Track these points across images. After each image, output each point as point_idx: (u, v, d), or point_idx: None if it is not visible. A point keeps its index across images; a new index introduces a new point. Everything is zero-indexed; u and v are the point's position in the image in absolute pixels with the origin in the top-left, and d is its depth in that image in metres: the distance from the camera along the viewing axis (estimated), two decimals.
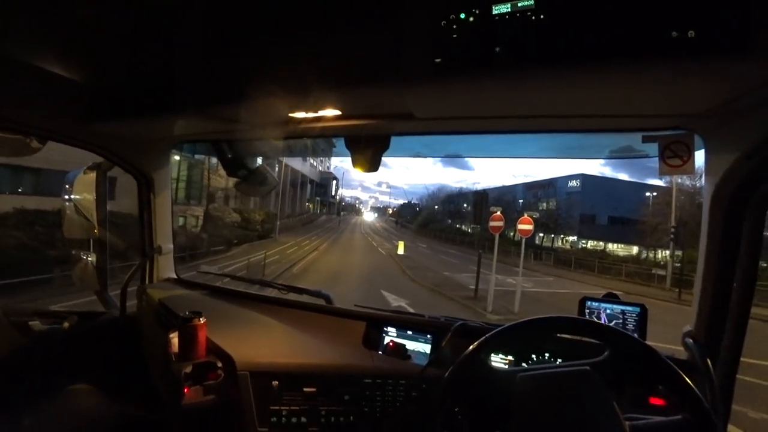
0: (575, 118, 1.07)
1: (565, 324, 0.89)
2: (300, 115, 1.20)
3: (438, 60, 0.79)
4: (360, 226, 55.05)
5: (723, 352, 1.10)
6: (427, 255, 21.47)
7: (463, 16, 0.76)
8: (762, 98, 0.79)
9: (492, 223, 10.04)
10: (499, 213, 9.97)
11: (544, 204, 31.31)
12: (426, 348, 1.36)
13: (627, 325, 1.23)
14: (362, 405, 1.16)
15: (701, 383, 1.07)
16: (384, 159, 1.35)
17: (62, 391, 1.57)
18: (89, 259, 1.86)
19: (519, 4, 0.72)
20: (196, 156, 17.85)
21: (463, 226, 38.51)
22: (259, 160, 1.82)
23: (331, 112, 1.15)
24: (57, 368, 1.59)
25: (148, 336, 1.72)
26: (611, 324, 1.20)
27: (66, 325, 1.65)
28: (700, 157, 1.12)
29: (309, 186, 49.92)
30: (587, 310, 1.26)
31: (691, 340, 1.16)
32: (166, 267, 1.98)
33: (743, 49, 0.62)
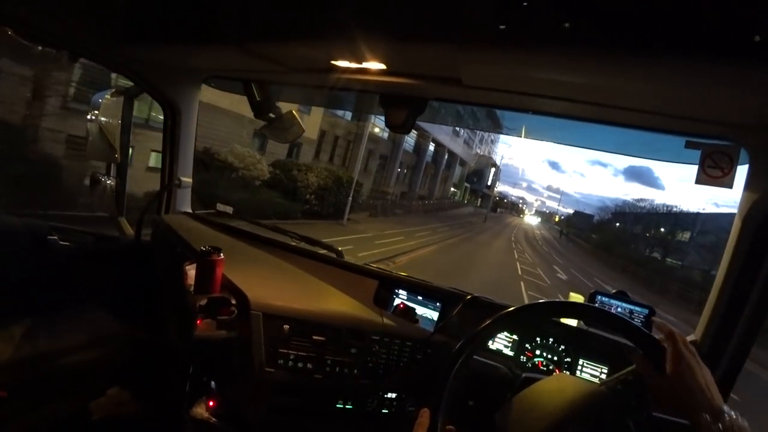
0: (623, 111, 1.04)
1: (580, 310, 0.90)
2: (342, 63, 1.15)
3: (502, 27, 0.75)
4: (513, 230, 41.96)
5: (723, 364, 1.12)
6: None
7: None
8: None
9: None
10: None
11: None
12: (434, 315, 1.39)
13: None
14: (367, 360, 1.20)
15: None
16: (558, 162, 1.28)
17: (74, 309, 1.62)
18: (109, 182, 1.88)
19: None
20: None
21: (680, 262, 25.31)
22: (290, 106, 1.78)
23: (375, 65, 1.11)
24: (71, 286, 1.65)
25: (161, 265, 1.76)
26: None
27: (83, 244, 1.68)
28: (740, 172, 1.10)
29: (458, 168, 41.50)
30: (597, 304, 1.27)
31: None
32: (183, 201, 2.01)
33: None
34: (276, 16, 1.06)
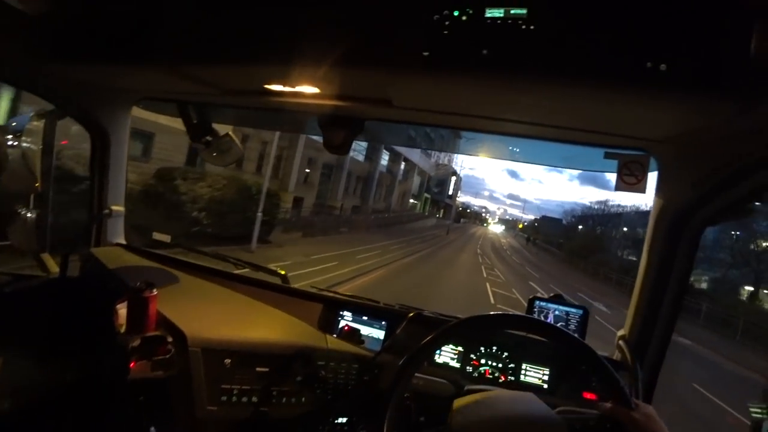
0: (547, 128, 1.12)
1: (516, 321, 0.94)
2: (276, 87, 1.15)
3: (426, 53, 0.80)
4: (479, 242, 38.88)
5: (649, 354, 1.22)
6: None
7: (456, 14, 0.77)
8: (714, 136, 0.86)
9: None
10: None
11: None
12: (380, 334, 1.39)
13: (570, 325, 1.33)
14: (315, 387, 1.18)
15: (629, 380, 1.19)
16: (516, 170, 1.30)
17: None
18: (29, 216, 1.72)
19: (512, 11, 0.74)
20: None
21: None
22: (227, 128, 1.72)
23: (308, 89, 1.12)
24: None
25: (91, 305, 1.63)
26: (557, 324, 1.30)
27: None
28: (652, 178, 1.21)
29: (417, 178, 38.92)
30: (536, 309, 1.34)
31: (623, 343, 1.28)
32: (115, 232, 1.87)
33: (707, 88, 0.68)
34: (208, 39, 1.03)
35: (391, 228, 26.38)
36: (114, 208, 1.79)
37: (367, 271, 11.37)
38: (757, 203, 1.10)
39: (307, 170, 20.76)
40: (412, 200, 40.14)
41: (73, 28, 1.15)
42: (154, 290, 1.14)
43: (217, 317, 1.27)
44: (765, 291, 19.41)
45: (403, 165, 34.02)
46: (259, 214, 11.43)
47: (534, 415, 0.84)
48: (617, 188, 1.24)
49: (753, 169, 0.87)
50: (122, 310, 1.17)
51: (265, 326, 1.28)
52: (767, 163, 0.83)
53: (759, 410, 1.11)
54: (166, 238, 1.86)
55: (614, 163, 1.23)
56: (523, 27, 0.73)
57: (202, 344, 1.08)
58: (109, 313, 1.22)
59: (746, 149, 0.84)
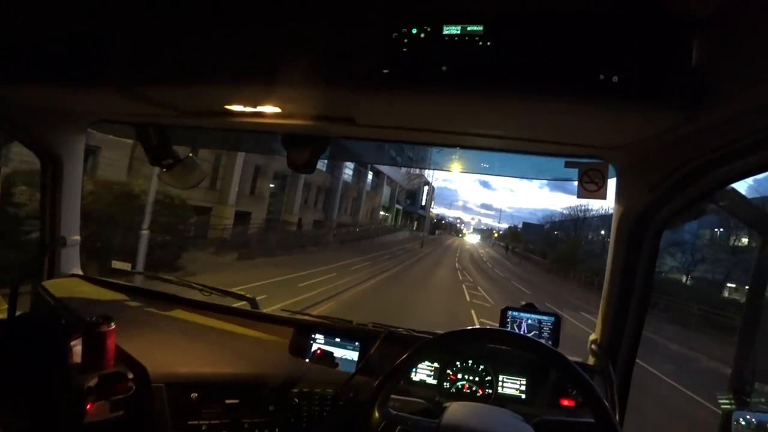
0: (506, 140, 1.14)
1: (489, 335, 0.94)
2: (237, 108, 1.13)
3: (386, 71, 0.81)
4: (456, 254, 35.26)
5: (621, 355, 1.24)
6: None
7: (414, 31, 0.79)
8: (665, 142, 0.90)
9: None
10: None
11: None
12: (354, 355, 1.36)
13: (543, 332, 1.34)
14: (289, 416, 1.13)
15: (604, 384, 1.21)
16: (488, 180, 1.28)
17: None
18: None
19: (469, 28, 0.76)
20: None
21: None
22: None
23: (270, 108, 1.10)
24: None
25: (43, 343, 1.51)
26: (530, 333, 1.31)
27: None
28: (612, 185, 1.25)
29: (387, 189, 36.52)
30: (509, 319, 1.35)
31: (595, 347, 1.30)
32: (70, 262, 1.75)
33: (656, 97, 0.72)
34: (165, 59, 1.00)
35: (357, 243, 23.98)
36: (69, 237, 1.69)
37: (308, 306, 8.00)
38: (710, 204, 1.15)
39: (257, 180, 17.97)
40: (382, 213, 38.83)
41: (19, 47, 1.08)
42: (112, 324, 1.07)
43: (181, 349, 1.20)
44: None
45: (371, 175, 32.16)
46: (144, 232, 8.27)
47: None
48: (579, 195, 1.28)
49: (702, 172, 0.91)
50: (77, 347, 1.09)
51: (234, 355, 1.23)
52: (715, 165, 0.88)
53: (727, 401, 1.15)
54: (126, 266, 1.77)
55: (575, 171, 1.27)
56: (480, 43, 0.76)
57: (165, 379, 1.02)
58: (62, 351, 1.14)
59: (695, 153, 0.88)
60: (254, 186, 18.11)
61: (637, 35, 0.70)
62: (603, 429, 0.81)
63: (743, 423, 1.05)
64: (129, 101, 1.22)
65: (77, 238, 1.74)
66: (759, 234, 1.20)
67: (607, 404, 0.82)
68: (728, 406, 1.11)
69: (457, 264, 25.93)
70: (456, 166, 1.50)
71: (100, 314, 1.09)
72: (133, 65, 1.02)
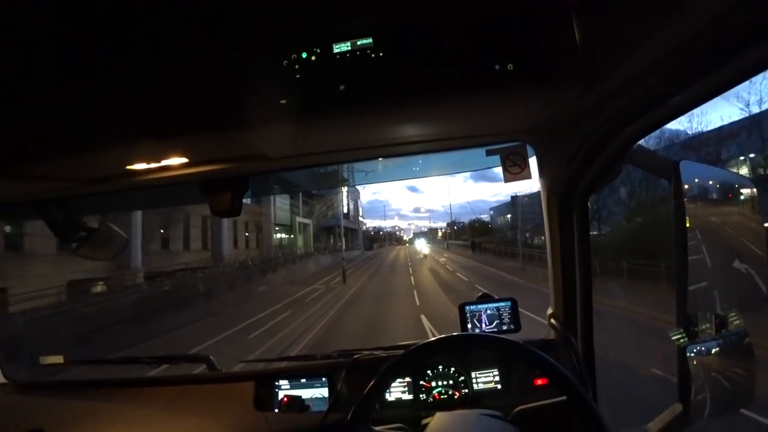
0: (424, 143, 1.15)
1: (448, 344, 0.93)
2: (140, 166, 1.05)
3: (283, 101, 0.78)
4: (407, 268, 24.20)
5: (579, 326, 1.29)
6: None
7: (305, 55, 0.77)
8: (568, 118, 0.95)
9: None
10: None
11: None
12: (324, 392, 1.31)
13: (503, 318, 1.36)
14: None
15: (569, 355, 1.24)
16: (415, 185, 1.20)
17: None
18: None
19: (358, 43, 0.76)
20: None
21: None
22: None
23: (177, 160, 1.03)
24: None
25: None
26: (492, 323, 1.33)
27: None
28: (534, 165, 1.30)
29: (283, 201, 27.05)
30: (468, 314, 1.35)
31: (554, 321, 1.34)
32: None
33: (550, 79, 0.75)
34: (44, 129, 0.90)
35: (189, 308, 11.84)
36: None
37: None
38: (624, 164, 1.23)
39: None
40: (279, 235, 27.75)
41: None
42: None
43: None
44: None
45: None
46: None
47: None
48: (506, 180, 1.32)
49: (607, 139, 0.97)
50: None
51: (192, 428, 1.14)
52: (616, 131, 0.93)
53: (680, 335, 1.22)
54: (57, 359, 1.58)
55: (498, 158, 1.31)
56: (373, 55, 0.75)
57: None
58: None
59: (597, 123, 0.94)
60: None
61: (521, 24, 0.73)
62: (575, 403, 0.82)
63: (695, 354, 1.13)
64: (17, 182, 1.08)
65: None
66: (667, 180, 1.30)
67: (572, 377, 0.84)
68: (681, 341, 1.18)
69: (417, 302, 12.26)
70: (384, 176, 1.49)
71: (29, 427, 0.96)
72: (8, 141, 0.91)
